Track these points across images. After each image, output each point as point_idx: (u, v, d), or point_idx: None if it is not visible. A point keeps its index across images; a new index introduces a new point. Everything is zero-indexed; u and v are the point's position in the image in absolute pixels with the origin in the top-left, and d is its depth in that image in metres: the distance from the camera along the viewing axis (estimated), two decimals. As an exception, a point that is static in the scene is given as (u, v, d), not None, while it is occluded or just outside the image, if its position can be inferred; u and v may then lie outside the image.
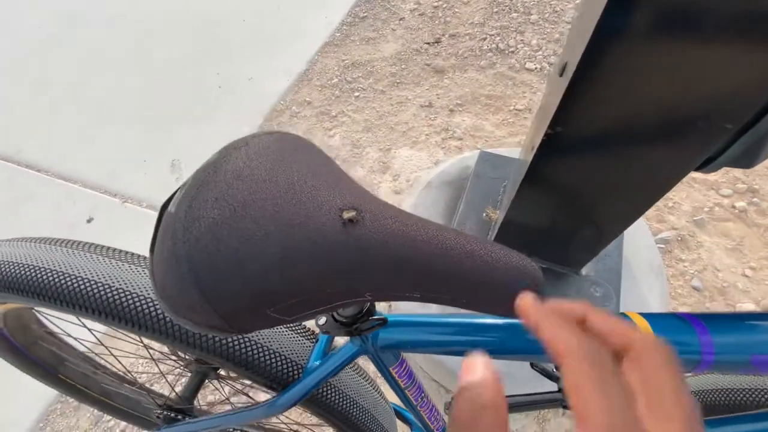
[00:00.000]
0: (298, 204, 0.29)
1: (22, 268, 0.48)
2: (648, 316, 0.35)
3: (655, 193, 0.57)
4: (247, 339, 0.49)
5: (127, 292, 0.46)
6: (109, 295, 0.45)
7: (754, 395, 0.48)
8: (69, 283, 0.46)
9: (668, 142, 0.49)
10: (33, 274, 0.47)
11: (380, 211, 0.31)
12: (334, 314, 0.40)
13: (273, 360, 0.49)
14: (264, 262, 0.27)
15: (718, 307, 1.18)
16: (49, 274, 0.47)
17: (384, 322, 0.39)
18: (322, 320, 0.40)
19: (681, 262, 1.27)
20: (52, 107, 1.90)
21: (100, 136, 1.77)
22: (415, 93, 1.76)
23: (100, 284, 0.46)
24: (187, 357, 0.67)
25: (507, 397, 0.67)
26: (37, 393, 1.15)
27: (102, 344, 0.73)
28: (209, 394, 1.16)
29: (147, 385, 0.96)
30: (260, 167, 0.30)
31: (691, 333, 0.32)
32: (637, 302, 0.85)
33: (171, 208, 0.27)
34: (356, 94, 1.78)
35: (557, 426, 1.04)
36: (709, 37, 0.37)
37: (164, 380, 1.14)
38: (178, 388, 0.72)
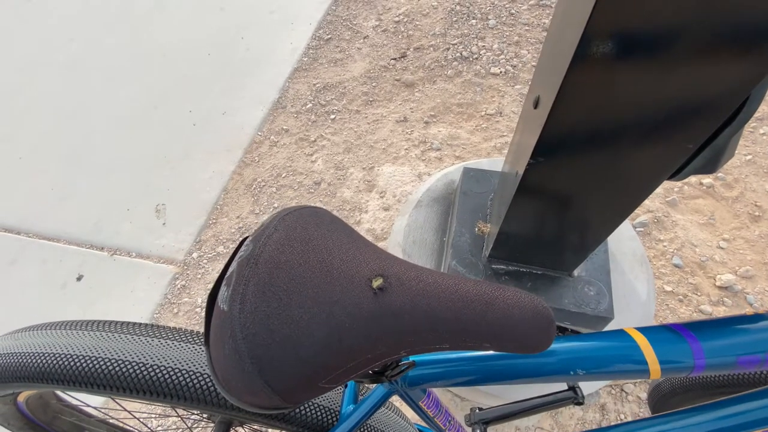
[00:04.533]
0: (332, 282, 0.32)
1: (52, 358, 0.49)
2: (644, 330, 0.39)
3: (635, 199, 0.63)
4: None
5: (162, 368, 0.48)
6: (146, 373, 0.47)
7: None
8: (103, 367, 0.48)
9: (644, 155, 0.54)
10: (65, 363, 0.48)
11: (403, 273, 0.35)
12: None
13: (308, 410, 0.51)
14: (314, 342, 0.30)
15: (699, 281, 1.26)
16: (83, 361, 0.48)
17: (412, 365, 0.42)
18: None
19: (660, 243, 1.35)
20: (23, 164, 1.86)
21: (77, 188, 1.75)
22: (389, 109, 1.81)
23: (136, 364, 0.48)
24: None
25: (525, 401, 0.71)
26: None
27: (125, 410, 0.74)
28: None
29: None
30: (293, 252, 0.33)
31: (683, 342, 0.37)
32: (628, 292, 0.91)
33: (223, 305, 0.30)
34: (332, 116, 1.81)
35: (569, 416, 1.09)
36: (671, 63, 0.42)
37: None
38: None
